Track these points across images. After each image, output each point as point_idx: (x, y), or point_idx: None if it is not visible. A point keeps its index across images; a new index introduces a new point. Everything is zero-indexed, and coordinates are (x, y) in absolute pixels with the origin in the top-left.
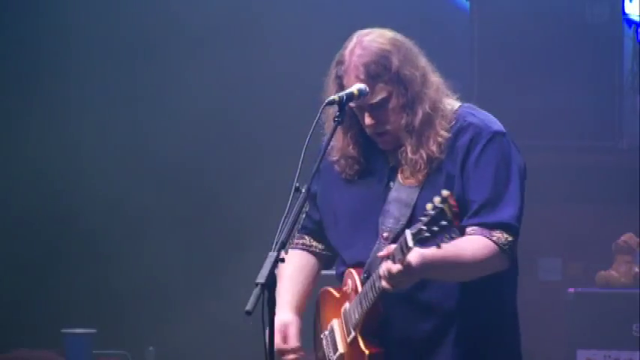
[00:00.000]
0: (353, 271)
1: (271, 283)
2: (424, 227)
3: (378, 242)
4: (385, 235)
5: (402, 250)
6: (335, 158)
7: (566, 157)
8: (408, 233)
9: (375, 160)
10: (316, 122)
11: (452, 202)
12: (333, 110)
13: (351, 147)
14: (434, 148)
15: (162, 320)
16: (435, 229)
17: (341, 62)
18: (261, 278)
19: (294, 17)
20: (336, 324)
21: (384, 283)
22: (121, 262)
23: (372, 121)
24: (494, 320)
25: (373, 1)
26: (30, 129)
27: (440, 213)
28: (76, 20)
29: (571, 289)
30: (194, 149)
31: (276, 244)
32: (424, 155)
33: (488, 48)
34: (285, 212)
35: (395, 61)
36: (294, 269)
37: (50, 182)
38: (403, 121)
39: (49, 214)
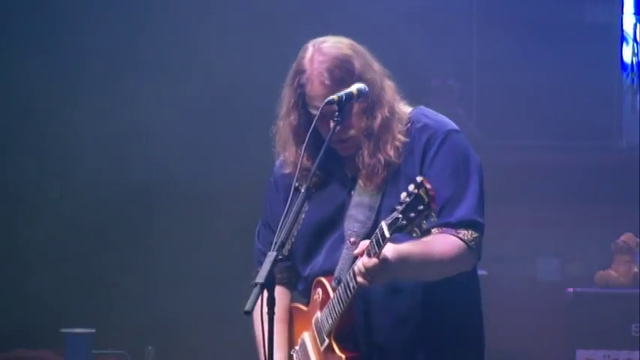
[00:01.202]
0: (322, 279)
1: (270, 282)
2: (400, 215)
3: (345, 247)
4: (352, 239)
5: (378, 243)
6: (288, 171)
7: (565, 157)
8: (384, 224)
9: (332, 170)
10: (315, 122)
11: (427, 185)
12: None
13: (305, 159)
14: (391, 152)
15: (162, 320)
16: (412, 215)
17: (301, 71)
18: (260, 278)
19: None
20: (306, 336)
21: (359, 279)
22: (120, 262)
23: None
24: (464, 318)
25: None
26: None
27: (416, 198)
28: None
29: (570, 289)
30: (201, 148)
31: (275, 244)
32: (382, 159)
33: (487, 49)
34: (284, 212)
35: (357, 65)
36: (279, 324)
37: (49, 184)
38: (363, 125)
39: (47, 214)
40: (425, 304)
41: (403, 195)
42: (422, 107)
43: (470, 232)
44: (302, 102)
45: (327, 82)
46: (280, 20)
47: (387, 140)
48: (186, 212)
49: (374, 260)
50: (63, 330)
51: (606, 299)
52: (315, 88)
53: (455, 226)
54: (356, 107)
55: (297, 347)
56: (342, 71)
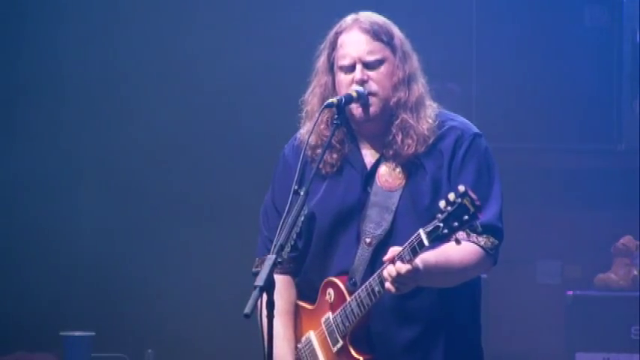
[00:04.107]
0: (336, 279)
1: (269, 285)
2: (441, 224)
3: (360, 248)
4: (368, 240)
5: (413, 250)
6: (309, 139)
7: (565, 160)
8: (422, 232)
9: (351, 167)
10: (316, 124)
11: (472, 195)
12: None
13: (323, 125)
14: (424, 128)
15: (161, 323)
16: (456, 224)
17: (340, 32)
18: (259, 281)
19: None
20: (313, 335)
21: (388, 285)
22: (119, 265)
23: (363, 77)
24: (470, 321)
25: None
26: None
27: (460, 208)
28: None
29: (570, 292)
30: (197, 153)
31: (274, 247)
32: (414, 136)
33: (487, 51)
34: (284, 215)
35: (398, 34)
36: (286, 317)
37: (47, 187)
38: (401, 95)
39: (47, 216)
40: (436, 306)
41: (442, 204)
42: (443, 110)
43: (491, 239)
44: (335, 64)
45: (367, 27)
46: (274, 21)
47: (421, 116)
48: (186, 215)
49: (407, 266)
50: (62, 333)
51: (606, 302)
52: (351, 35)
53: (477, 230)
54: (387, 68)
55: (299, 345)
56: (382, 29)
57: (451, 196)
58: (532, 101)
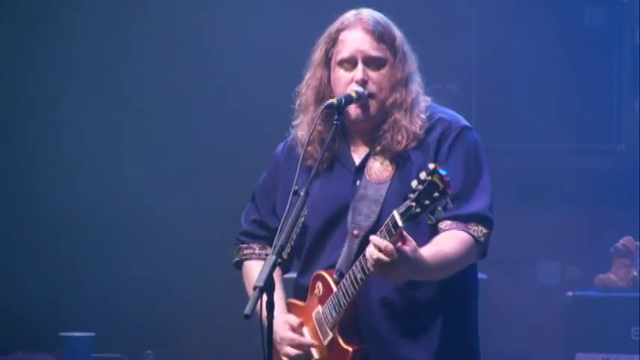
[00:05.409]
0: (323, 273)
1: (269, 286)
2: (413, 203)
3: (348, 241)
4: (355, 232)
5: (389, 232)
6: (302, 133)
7: (564, 160)
8: (396, 213)
9: (341, 166)
10: (315, 124)
11: (441, 171)
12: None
13: (320, 121)
14: (416, 126)
15: (161, 323)
16: (427, 202)
17: (341, 28)
18: (259, 282)
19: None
20: (306, 331)
21: (370, 265)
22: (119, 265)
23: (364, 77)
24: (462, 317)
25: None
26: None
27: (430, 185)
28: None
29: (569, 293)
30: (195, 151)
31: (274, 248)
32: (405, 134)
33: (487, 51)
34: (284, 216)
35: (399, 36)
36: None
37: (46, 186)
38: (398, 96)
39: (46, 217)
40: (427, 300)
41: (414, 183)
42: (434, 104)
43: (480, 227)
44: (334, 59)
45: (370, 28)
46: (274, 22)
47: (414, 115)
48: (186, 215)
49: (386, 242)
50: (62, 333)
51: (606, 303)
52: (355, 33)
53: (466, 219)
54: (388, 69)
55: None
56: (385, 29)
57: (422, 174)
58: (532, 101)
